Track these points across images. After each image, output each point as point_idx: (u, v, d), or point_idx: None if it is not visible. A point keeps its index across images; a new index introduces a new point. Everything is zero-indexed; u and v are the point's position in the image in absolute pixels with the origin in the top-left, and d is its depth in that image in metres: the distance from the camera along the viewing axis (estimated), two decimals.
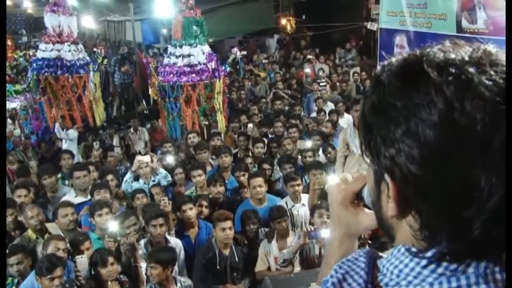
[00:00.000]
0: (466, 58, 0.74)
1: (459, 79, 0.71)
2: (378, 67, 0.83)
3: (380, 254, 0.92)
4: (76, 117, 8.40)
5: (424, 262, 0.75)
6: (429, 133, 0.71)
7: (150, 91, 8.25)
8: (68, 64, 8.04)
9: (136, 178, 6.35)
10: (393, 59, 0.82)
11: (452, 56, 0.75)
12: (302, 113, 9.87)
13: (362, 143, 0.84)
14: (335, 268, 0.90)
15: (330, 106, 9.73)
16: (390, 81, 0.78)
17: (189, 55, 7.39)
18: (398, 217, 0.81)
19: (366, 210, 1.06)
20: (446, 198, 0.71)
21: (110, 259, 4.19)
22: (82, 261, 4.23)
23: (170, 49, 7.78)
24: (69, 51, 8.08)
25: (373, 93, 0.80)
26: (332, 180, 1.18)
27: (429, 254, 0.75)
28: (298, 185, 5.43)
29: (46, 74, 7.98)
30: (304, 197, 5.47)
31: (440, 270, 0.74)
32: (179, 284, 4.24)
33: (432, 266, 0.75)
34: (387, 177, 0.79)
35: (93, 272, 4.26)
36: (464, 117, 0.69)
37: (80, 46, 8.40)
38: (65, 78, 8.05)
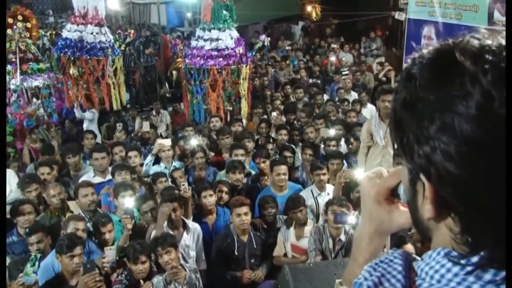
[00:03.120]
0: (504, 44, 0.68)
1: (496, 66, 0.66)
2: (409, 61, 0.78)
3: (414, 256, 0.86)
4: (93, 99, 8.41)
5: (469, 268, 0.70)
6: (467, 127, 0.65)
7: (170, 73, 8.20)
8: (88, 46, 8.03)
9: (157, 161, 6.36)
10: (425, 51, 0.76)
11: (488, 42, 0.69)
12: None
13: (394, 142, 0.79)
14: (368, 270, 0.84)
15: (353, 95, 9.62)
16: (421, 74, 0.72)
17: (217, 39, 7.38)
18: (435, 219, 0.76)
19: (401, 207, 0.99)
20: (488, 199, 0.66)
21: (142, 258, 4.00)
22: (111, 252, 4.19)
23: (199, 32, 7.76)
24: (92, 33, 8.06)
25: (404, 88, 0.75)
26: (366, 173, 1.08)
27: (474, 259, 0.69)
28: (324, 174, 5.40)
29: (66, 54, 8.00)
30: (329, 187, 5.44)
31: (487, 277, 0.68)
32: (187, 270, 4.20)
33: (478, 273, 0.69)
34: (422, 177, 0.73)
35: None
36: (505, 108, 0.63)
37: (105, 28, 8.34)
38: (83, 60, 8.04)
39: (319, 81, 11.53)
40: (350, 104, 8.78)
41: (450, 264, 0.72)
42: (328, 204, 4.65)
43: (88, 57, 8.04)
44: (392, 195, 1.00)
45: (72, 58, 8.02)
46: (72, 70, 7.99)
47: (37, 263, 3.59)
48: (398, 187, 0.97)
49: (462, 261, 0.70)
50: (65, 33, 8.24)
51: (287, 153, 6.37)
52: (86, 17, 8.07)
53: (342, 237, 4.55)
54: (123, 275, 4.04)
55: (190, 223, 4.86)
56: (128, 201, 4.75)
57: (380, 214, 1.01)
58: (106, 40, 8.26)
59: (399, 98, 0.76)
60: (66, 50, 8.01)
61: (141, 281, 3.99)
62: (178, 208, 4.69)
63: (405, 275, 0.79)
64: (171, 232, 4.60)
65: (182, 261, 4.38)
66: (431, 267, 0.75)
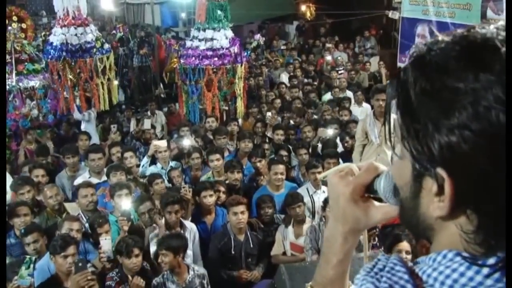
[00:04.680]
0: None
1: None
2: (422, 47, 0.73)
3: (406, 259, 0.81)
4: (82, 101, 8.30)
5: (485, 270, 0.65)
6: (503, 117, 0.61)
7: (164, 75, 8.12)
8: (73, 49, 7.85)
9: (153, 162, 6.35)
10: (440, 38, 0.71)
11: None
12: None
13: (404, 132, 0.73)
14: (371, 281, 0.77)
15: (349, 94, 9.62)
16: (447, 62, 0.67)
17: (212, 39, 7.37)
18: (446, 218, 0.71)
19: (376, 203, 0.95)
20: None
21: (136, 251, 4.02)
22: (107, 242, 4.19)
23: (193, 32, 7.75)
24: (75, 34, 7.85)
25: (421, 76, 0.69)
26: (333, 171, 1.03)
27: (491, 261, 0.65)
28: (319, 172, 5.39)
29: (52, 60, 7.87)
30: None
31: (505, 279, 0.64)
32: (191, 272, 4.20)
33: (496, 275, 0.64)
34: (442, 171, 0.67)
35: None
36: None
37: (90, 28, 8.13)
38: (68, 63, 7.90)
39: (313, 81, 11.53)
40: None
41: (463, 268, 0.67)
42: (329, 201, 4.64)
43: (73, 59, 7.90)
44: (367, 191, 0.96)
45: (58, 62, 7.86)
46: (63, 74, 7.91)
47: (32, 265, 3.58)
48: (374, 182, 0.93)
49: (479, 262, 0.66)
50: (51, 38, 8.09)
51: (283, 152, 6.37)
52: (69, 19, 7.92)
53: None
54: (114, 272, 4.06)
55: (187, 222, 4.86)
56: (125, 203, 4.75)
57: (355, 213, 0.95)
58: (92, 40, 8.06)
59: (415, 86, 0.70)
60: (52, 55, 7.87)
61: (129, 277, 4.00)
62: (180, 210, 4.70)
63: (414, 284, 0.73)
64: (167, 232, 4.60)
65: (190, 263, 4.39)
66: (440, 272, 0.70)
